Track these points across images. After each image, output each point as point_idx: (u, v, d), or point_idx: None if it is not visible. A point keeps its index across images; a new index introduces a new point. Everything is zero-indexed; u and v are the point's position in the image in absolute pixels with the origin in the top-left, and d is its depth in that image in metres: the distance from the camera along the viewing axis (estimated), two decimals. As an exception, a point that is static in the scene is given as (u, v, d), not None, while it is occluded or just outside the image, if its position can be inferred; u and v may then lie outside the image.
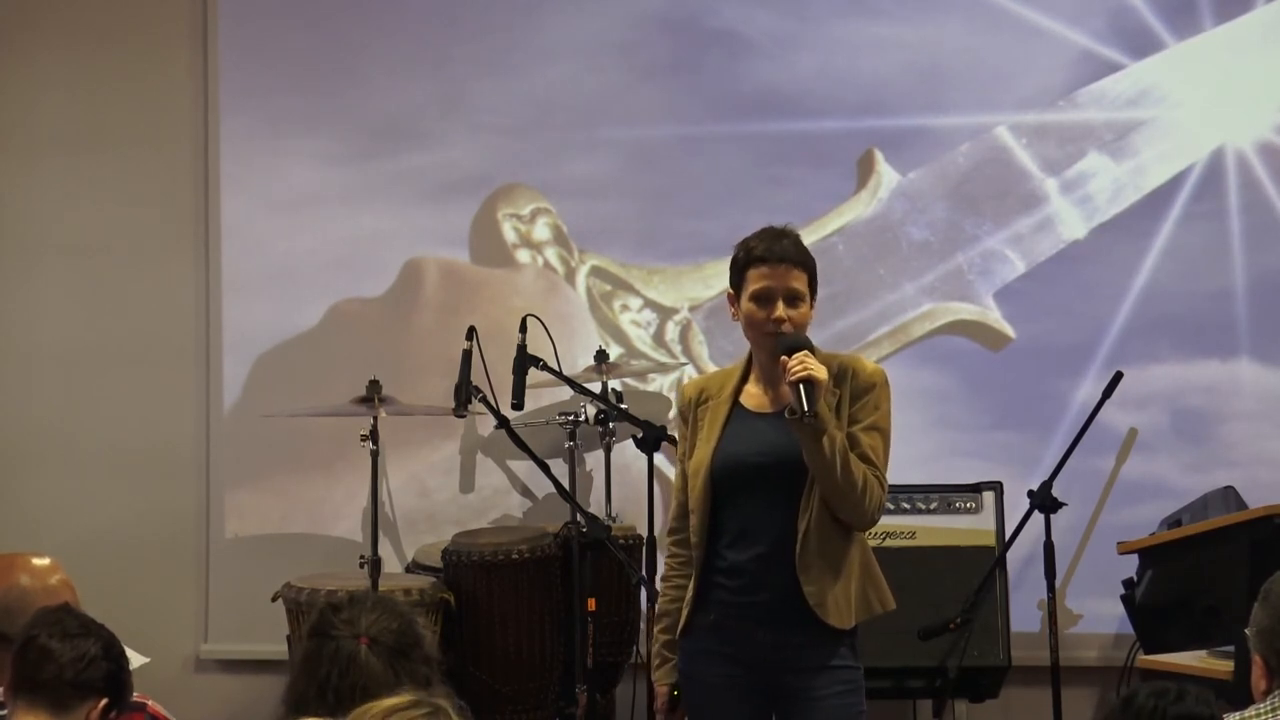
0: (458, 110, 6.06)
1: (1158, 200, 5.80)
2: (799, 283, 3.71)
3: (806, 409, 3.54)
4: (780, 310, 3.68)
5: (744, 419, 3.79)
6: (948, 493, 5.49)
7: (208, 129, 6.13)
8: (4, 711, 2.96)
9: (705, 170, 5.96)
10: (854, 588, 3.72)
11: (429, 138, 6.06)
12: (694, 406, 3.85)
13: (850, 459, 3.64)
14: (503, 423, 4.97)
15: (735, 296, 3.78)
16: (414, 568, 5.68)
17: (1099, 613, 5.73)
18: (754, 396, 3.81)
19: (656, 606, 3.96)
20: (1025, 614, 5.59)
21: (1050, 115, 5.85)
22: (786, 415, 3.62)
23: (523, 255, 6.07)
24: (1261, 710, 2.96)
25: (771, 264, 3.70)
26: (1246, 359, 5.76)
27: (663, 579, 3.94)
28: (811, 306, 3.75)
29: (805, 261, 3.73)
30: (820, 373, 3.59)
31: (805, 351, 3.62)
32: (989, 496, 5.48)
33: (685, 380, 5.69)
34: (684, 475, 3.85)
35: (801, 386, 3.56)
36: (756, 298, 3.71)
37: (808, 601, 3.66)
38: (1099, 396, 5.41)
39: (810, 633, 3.69)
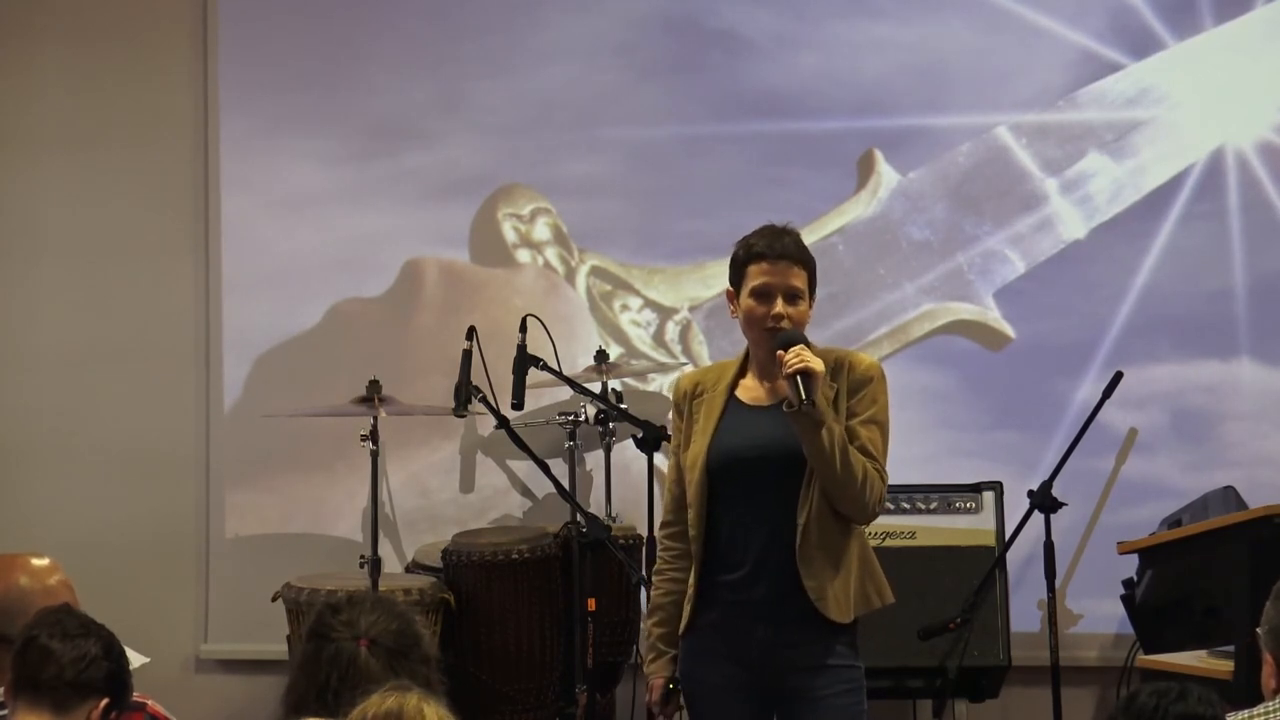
0: (458, 110, 6.06)
1: (1158, 200, 5.80)
2: (799, 280, 3.73)
3: (805, 398, 3.56)
4: (780, 306, 3.70)
5: (740, 412, 3.80)
6: (948, 493, 5.49)
7: (208, 129, 6.13)
8: (4, 712, 2.96)
9: (705, 170, 5.96)
10: (853, 582, 3.74)
11: (429, 138, 6.06)
12: (689, 400, 3.87)
13: (850, 451, 3.65)
14: (503, 423, 4.98)
15: (734, 294, 3.80)
16: (414, 568, 5.68)
17: (1099, 613, 5.73)
18: (750, 390, 3.82)
19: (650, 600, 3.96)
20: (1025, 614, 5.59)
21: (1050, 115, 5.85)
22: (785, 409, 3.63)
23: (523, 255, 6.07)
24: (1271, 708, 2.96)
25: (772, 260, 3.71)
26: (1246, 359, 5.76)
27: (656, 572, 3.94)
28: (810, 306, 3.77)
29: (805, 260, 3.75)
30: (817, 365, 3.61)
31: (801, 345, 3.63)
32: (989, 496, 5.49)
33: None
34: (677, 468, 3.86)
35: (798, 378, 3.58)
36: (756, 294, 3.72)
37: (808, 595, 3.67)
38: (1099, 396, 5.42)
39: (809, 628, 3.70)
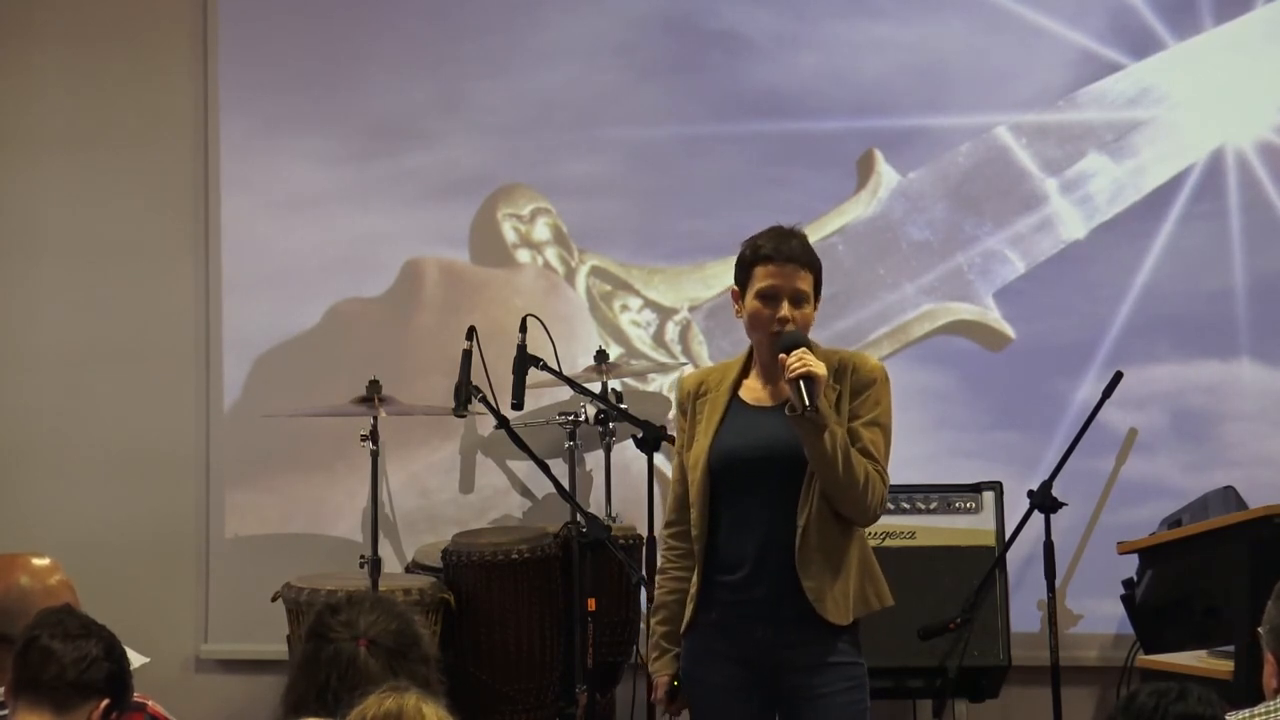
0: (458, 110, 6.06)
1: (1158, 200, 5.80)
2: (804, 283, 3.73)
3: (807, 403, 3.56)
4: (785, 310, 3.70)
5: (742, 412, 3.80)
6: (948, 493, 5.49)
7: (208, 129, 6.13)
8: (4, 712, 2.96)
9: (705, 170, 5.96)
10: (852, 584, 3.74)
11: (429, 138, 6.06)
12: (693, 399, 3.87)
13: (852, 454, 3.65)
14: (503, 423, 4.98)
15: (740, 294, 3.79)
16: (414, 568, 5.68)
17: (1099, 613, 5.73)
18: (753, 391, 3.82)
19: (654, 598, 3.97)
20: (1025, 614, 5.59)
21: (1050, 115, 5.85)
22: (787, 412, 3.63)
23: (523, 255, 6.07)
24: (1271, 708, 2.96)
25: (779, 263, 3.71)
26: (1246, 359, 5.76)
27: (660, 571, 3.96)
28: (815, 307, 3.77)
29: (812, 262, 3.75)
30: (819, 369, 3.61)
31: (804, 349, 3.63)
32: (989, 496, 5.49)
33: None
34: (681, 467, 3.87)
35: (801, 382, 3.58)
36: (762, 296, 3.72)
37: (807, 597, 3.67)
38: (1099, 396, 5.41)
39: (809, 629, 3.70)
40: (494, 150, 6.06)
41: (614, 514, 5.70)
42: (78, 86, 6.21)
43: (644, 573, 4.95)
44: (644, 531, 5.32)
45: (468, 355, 5.14)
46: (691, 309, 6.01)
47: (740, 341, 3.89)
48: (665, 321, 6.03)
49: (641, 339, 6.03)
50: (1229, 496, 5.41)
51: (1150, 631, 5.31)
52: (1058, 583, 5.27)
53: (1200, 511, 5.37)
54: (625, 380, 5.92)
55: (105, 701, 2.91)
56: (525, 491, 5.99)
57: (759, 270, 3.73)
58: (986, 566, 5.33)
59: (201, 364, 6.13)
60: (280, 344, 6.11)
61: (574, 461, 5.60)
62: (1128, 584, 5.44)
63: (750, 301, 3.75)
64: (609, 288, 6.04)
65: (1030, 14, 5.82)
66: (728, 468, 3.76)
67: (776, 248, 3.73)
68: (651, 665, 3.93)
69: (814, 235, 5.72)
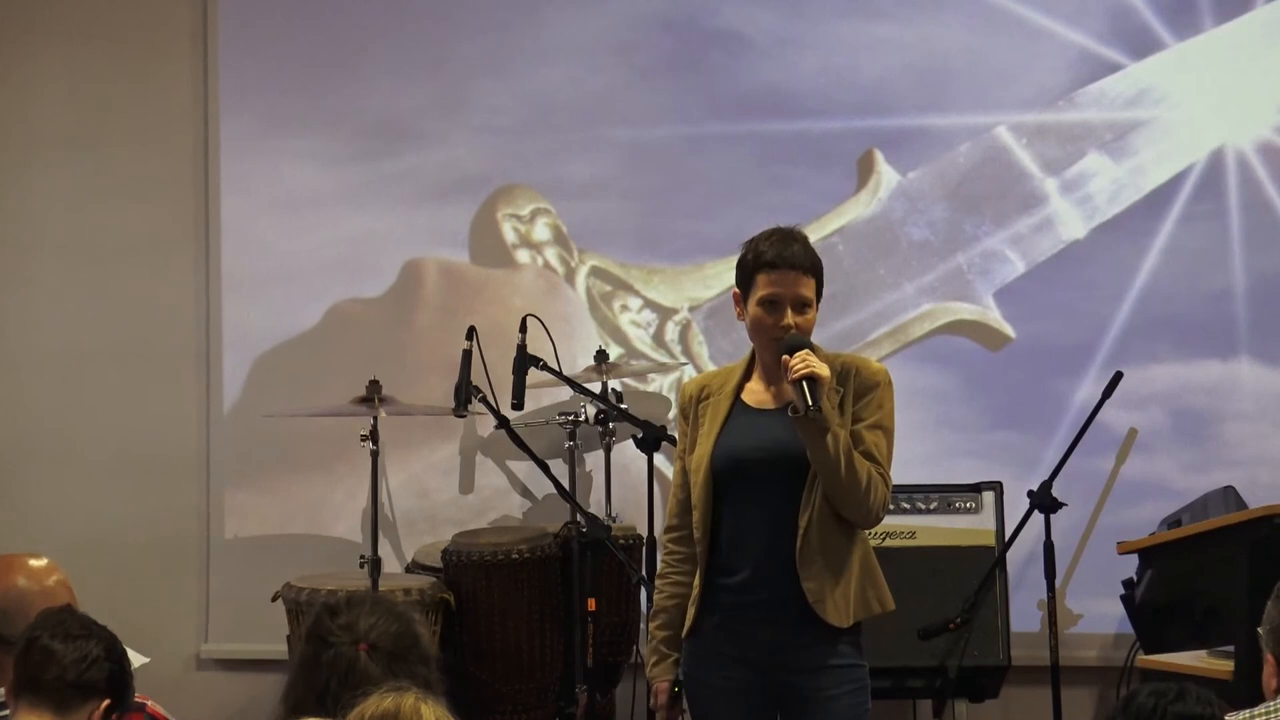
0: (458, 110, 6.06)
1: (1158, 200, 5.80)
2: (807, 289, 3.71)
3: (810, 404, 3.55)
4: (789, 318, 3.69)
5: (745, 415, 3.79)
6: (948, 493, 5.49)
7: (208, 129, 6.13)
8: (5, 713, 2.96)
9: (705, 170, 5.96)
10: (853, 587, 3.73)
11: (429, 138, 6.06)
12: (695, 403, 3.86)
13: (854, 456, 3.64)
14: (503, 423, 4.98)
15: (741, 297, 3.78)
16: (414, 568, 5.68)
17: (1099, 613, 5.73)
18: (756, 394, 3.81)
19: (653, 603, 3.97)
20: (1025, 614, 5.60)
21: (1050, 115, 5.86)
22: (790, 413, 3.62)
23: (523, 255, 6.07)
24: (1271, 708, 2.96)
25: (781, 270, 3.69)
26: (1246, 359, 5.76)
27: (659, 575, 3.95)
28: (817, 308, 3.76)
29: (814, 266, 3.73)
30: (822, 370, 3.60)
31: (807, 350, 3.63)
32: (989, 496, 5.49)
33: (685, 380, 5.69)
34: (683, 472, 3.86)
35: (804, 383, 3.57)
36: (765, 303, 3.71)
37: (807, 599, 3.67)
38: (1099, 396, 5.42)
39: (811, 631, 3.70)
40: (494, 150, 6.06)
41: (614, 514, 5.70)
42: (78, 86, 6.21)
43: (644, 573, 4.95)
44: (644, 531, 5.33)
45: (468, 355, 5.15)
46: (691, 309, 6.01)
47: (740, 341, 3.89)
48: (665, 321, 6.03)
49: (641, 339, 6.03)
50: (1229, 496, 5.41)
51: (1150, 631, 5.31)
52: (1058, 583, 5.28)
53: (1200, 511, 5.37)
54: (625, 380, 5.92)
55: (106, 702, 2.91)
56: (525, 491, 5.99)
57: (761, 278, 3.71)
58: (986, 566, 5.33)
59: (201, 364, 6.13)
60: (280, 344, 6.11)
61: (574, 461, 5.60)
62: (1127, 584, 5.44)
63: (753, 308, 3.73)
64: (609, 288, 6.04)
65: (1030, 14, 5.82)
66: (730, 469, 3.75)
67: (779, 254, 3.70)
68: (651, 671, 3.92)
69: (814, 235, 5.71)
